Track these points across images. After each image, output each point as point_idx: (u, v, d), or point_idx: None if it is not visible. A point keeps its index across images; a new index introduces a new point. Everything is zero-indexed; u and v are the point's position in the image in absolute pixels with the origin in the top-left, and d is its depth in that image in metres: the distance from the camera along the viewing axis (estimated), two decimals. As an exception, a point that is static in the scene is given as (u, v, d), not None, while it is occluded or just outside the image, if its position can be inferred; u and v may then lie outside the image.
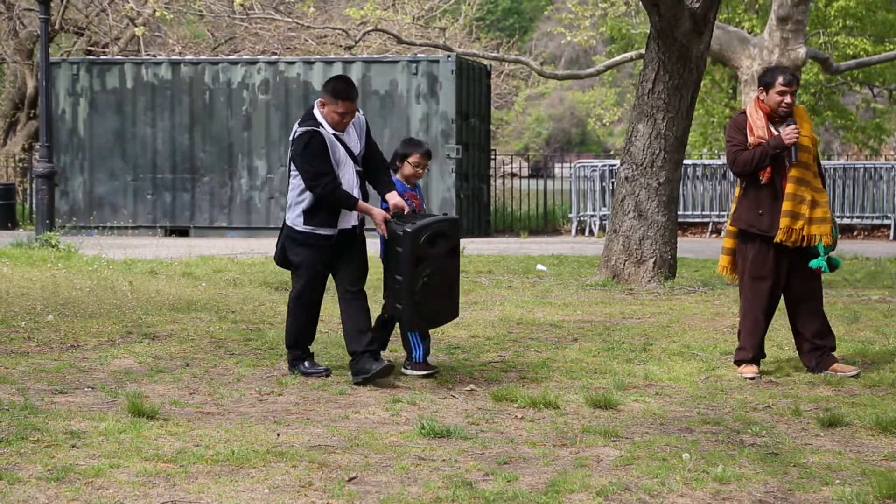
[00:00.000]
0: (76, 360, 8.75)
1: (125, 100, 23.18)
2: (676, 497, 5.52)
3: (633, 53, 25.36)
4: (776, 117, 8.31)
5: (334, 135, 7.91)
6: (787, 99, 8.25)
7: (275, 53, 28.47)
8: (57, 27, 28.47)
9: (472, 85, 23.15)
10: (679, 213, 18.47)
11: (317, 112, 7.95)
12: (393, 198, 7.98)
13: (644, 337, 9.93)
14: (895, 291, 13.05)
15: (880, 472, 5.80)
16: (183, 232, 22.94)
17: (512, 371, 8.51)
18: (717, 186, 23.66)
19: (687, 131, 13.91)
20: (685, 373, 8.41)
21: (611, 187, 22.72)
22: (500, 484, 5.66)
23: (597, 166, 24.09)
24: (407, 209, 7.98)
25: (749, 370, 8.33)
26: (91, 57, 26.41)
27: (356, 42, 25.26)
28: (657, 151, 13.60)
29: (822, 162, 12.20)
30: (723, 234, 22.88)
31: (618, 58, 26.30)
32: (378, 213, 7.89)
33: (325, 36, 29.85)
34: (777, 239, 8.20)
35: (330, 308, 9.35)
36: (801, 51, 22.34)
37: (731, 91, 32.62)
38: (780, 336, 9.52)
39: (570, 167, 24.78)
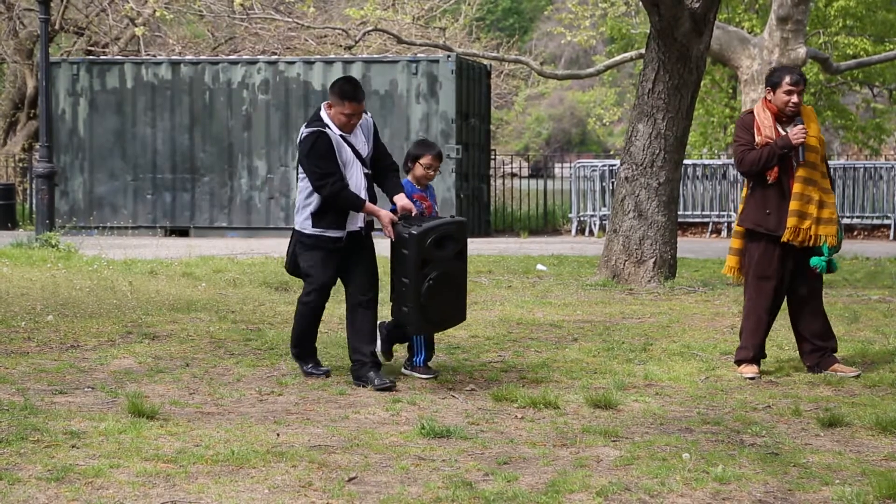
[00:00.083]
0: (76, 360, 8.75)
1: (125, 100, 23.18)
2: (676, 497, 5.52)
3: (633, 53, 25.37)
4: (783, 117, 8.29)
5: (341, 136, 7.86)
6: (795, 98, 8.23)
7: (275, 53, 28.47)
8: (57, 27, 28.48)
9: (472, 85, 23.15)
10: (679, 213, 18.47)
11: (323, 114, 7.91)
12: (401, 200, 7.92)
13: (644, 337, 9.94)
14: (895, 291, 13.05)
15: (880, 472, 5.80)
16: (183, 232, 22.94)
17: (512, 371, 8.51)
18: (717, 186, 23.65)
19: (687, 131, 13.91)
20: (685, 373, 8.41)
21: (611, 187, 22.71)
22: (500, 484, 5.66)
23: (597, 166, 24.08)
24: (415, 211, 7.94)
25: (749, 370, 8.32)
26: (91, 57, 26.41)
27: (356, 42, 25.28)
28: (657, 151, 13.60)
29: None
30: (723, 234, 23.09)
31: (618, 58, 26.32)
32: (385, 214, 7.84)
33: (325, 36, 29.85)
34: (784, 238, 8.18)
35: (330, 308, 9.33)
36: (801, 51, 22.35)
37: (731, 91, 32.63)
38: (780, 336, 9.52)
39: (570, 167, 24.77)
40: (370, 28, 25.58)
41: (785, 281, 8.34)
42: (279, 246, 19.10)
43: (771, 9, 22.90)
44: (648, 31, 13.89)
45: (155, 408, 6.97)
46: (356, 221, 7.98)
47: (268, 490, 5.55)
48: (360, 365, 7.94)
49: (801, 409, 7.27)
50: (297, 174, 8.02)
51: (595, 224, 23.63)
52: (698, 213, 23.82)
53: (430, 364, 8.37)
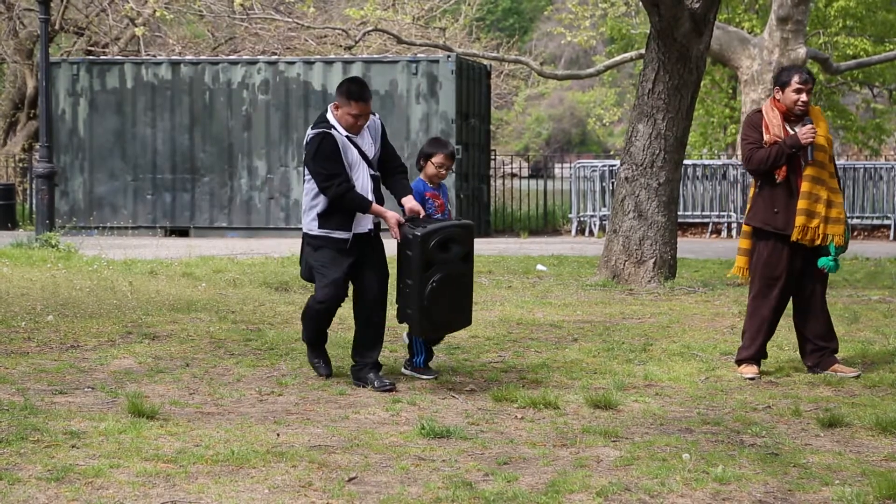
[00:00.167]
0: (76, 360, 8.75)
1: (125, 100, 23.18)
2: (676, 497, 5.52)
3: (633, 53, 25.39)
4: (792, 116, 8.27)
5: (347, 137, 7.79)
6: (804, 97, 8.22)
7: (275, 53, 28.48)
8: (57, 27, 28.48)
9: (472, 85, 23.15)
10: (679, 213, 18.48)
11: (330, 115, 7.83)
12: (408, 202, 7.85)
13: (644, 337, 9.93)
14: (895, 291, 13.05)
15: (880, 473, 5.80)
16: (183, 232, 22.94)
17: (512, 371, 8.51)
18: (717, 187, 23.65)
19: (687, 131, 13.92)
20: (685, 373, 8.41)
21: (611, 187, 22.71)
22: (500, 484, 5.66)
23: (597, 166, 24.08)
24: (423, 213, 7.90)
25: (749, 370, 8.32)
26: (91, 57, 26.41)
27: (356, 42, 25.29)
28: (657, 152, 13.60)
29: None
30: (723, 234, 23.08)
31: (618, 58, 26.34)
32: (392, 216, 7.74)
33: (325, 36, 29.85)
34: (793, 237, 8.16)
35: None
36: (801, 51, 22.36)
37: (731, 91, 32.66)
38: (780, 336, 9.51)
39: (570, 167, 24.77)
40: (370, 28, 25.59)
41: (793, 281, 8.32)
42: (279, 246, 19.13)
43: (771, 9, 22.92)
44: (648, 32, 13.89)
45: (155, 408, 6.97)
46: (364, 223, 7.90)
47: (268, 490, 5.55)
48: (361, 366, 7.94)
49: (801, 409, 7.27)
50: (304, 176, 7.99)
51: (595, 224, 23.63)
52: (698, 213, 23.82)
53: (430, 364, 8.37)
